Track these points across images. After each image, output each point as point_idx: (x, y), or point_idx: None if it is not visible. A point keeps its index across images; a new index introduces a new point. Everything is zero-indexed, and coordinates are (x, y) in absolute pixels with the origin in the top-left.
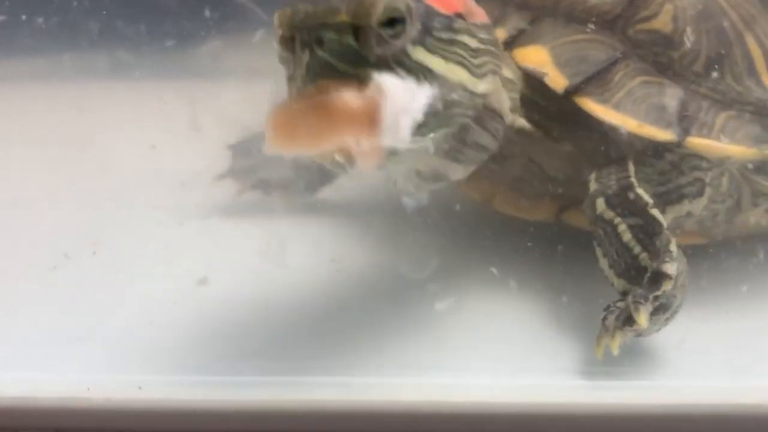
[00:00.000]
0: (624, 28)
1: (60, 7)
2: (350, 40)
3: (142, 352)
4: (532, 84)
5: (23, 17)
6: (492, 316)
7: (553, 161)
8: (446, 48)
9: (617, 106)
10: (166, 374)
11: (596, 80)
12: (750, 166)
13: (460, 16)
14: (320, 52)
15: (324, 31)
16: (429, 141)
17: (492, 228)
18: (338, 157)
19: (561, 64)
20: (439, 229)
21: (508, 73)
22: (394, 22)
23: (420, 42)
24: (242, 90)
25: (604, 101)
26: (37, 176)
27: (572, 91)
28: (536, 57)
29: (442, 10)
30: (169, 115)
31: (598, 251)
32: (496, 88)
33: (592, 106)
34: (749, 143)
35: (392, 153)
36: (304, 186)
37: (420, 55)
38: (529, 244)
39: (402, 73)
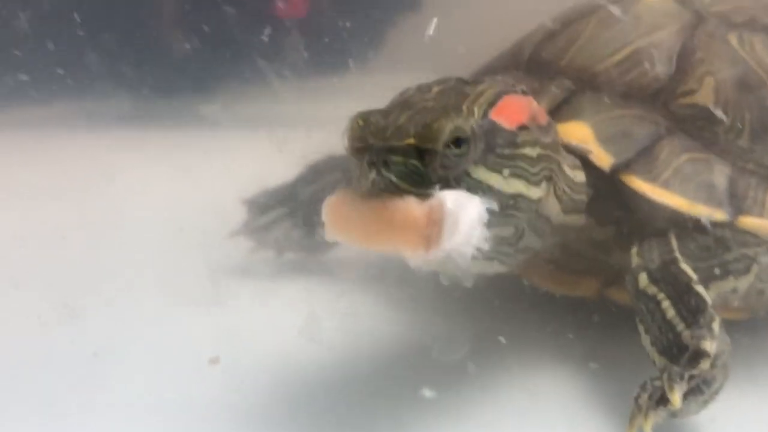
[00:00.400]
0: (666, 103)
1: (72, 56)
2: (415, 161)
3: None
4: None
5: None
6: (514, 393)
7: (593, 242)
8: (507, 163)
9: (666, 185)
10: None
11: (642, 157)
12: None
13: (523, 126)
14: (385, 173)
15: (391, 154)
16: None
17: (512, 299)
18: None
19: (604, 140)
20: (454, 295)
21: (569, 171)
22: (459, 142)
23: (482, 161)
24: (252, 140)
25: (652, 179)
26: (38, 230)
27: (618, 169)
28: (579, 133)
29: (506, 125)
30: (179, 166)
31: (640, 327)
32: (548, 193)
33: (640, 184)
34: None
35: (445, 261)
36: (318, 246)
37: (480, 173)
38: (550, 314)
39: (461, 189)
